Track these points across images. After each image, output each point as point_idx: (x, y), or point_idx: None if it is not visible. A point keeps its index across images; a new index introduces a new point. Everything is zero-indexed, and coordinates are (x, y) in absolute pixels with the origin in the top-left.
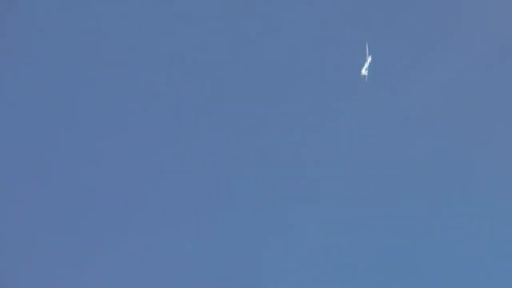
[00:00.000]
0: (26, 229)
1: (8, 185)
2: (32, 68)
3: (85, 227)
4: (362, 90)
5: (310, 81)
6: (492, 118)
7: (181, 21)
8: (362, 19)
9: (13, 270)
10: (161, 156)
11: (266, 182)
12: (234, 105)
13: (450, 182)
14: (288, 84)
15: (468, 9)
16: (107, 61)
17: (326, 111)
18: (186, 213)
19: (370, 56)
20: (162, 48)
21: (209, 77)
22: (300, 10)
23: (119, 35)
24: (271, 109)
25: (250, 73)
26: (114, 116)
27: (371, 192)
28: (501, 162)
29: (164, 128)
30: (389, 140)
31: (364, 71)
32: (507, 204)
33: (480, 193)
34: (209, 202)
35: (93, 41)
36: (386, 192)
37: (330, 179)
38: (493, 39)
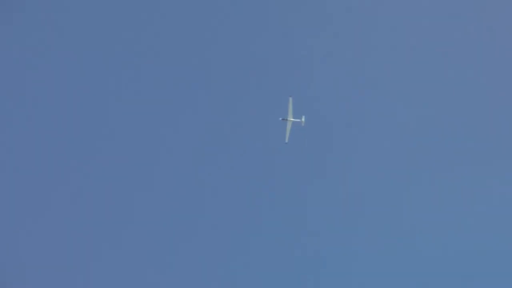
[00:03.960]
0: (26, 229)
1: (8, 184)
2: (32, 68)
3: (85, 228)
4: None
5: None
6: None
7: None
8: None
9: (14, 270)
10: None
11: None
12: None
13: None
14: None
15: None
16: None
17: None
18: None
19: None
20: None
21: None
22: None
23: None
24: None
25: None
26: (115, 116)
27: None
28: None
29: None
30: None
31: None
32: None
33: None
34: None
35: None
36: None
37: None
38: None
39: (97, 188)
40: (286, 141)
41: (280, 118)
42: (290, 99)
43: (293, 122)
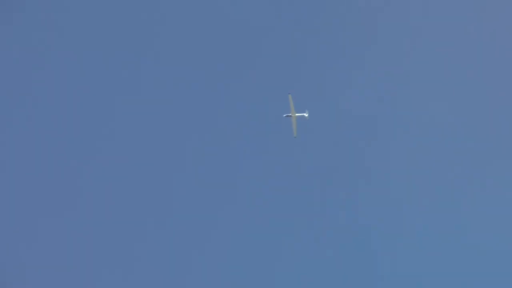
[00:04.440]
0: (26, 230)
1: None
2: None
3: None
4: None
5: None
6: None
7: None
8: None
9: (14, 270)
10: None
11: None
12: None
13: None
14: None
15: None
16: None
17: None
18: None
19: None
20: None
21: None
22: None
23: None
24: None
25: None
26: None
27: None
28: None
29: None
30: None
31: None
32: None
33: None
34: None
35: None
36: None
37: None
38: None
39: (96, 189)
40: (295, 135)
41: (284, 115)
42: (290, 96)
43: (297, 116)
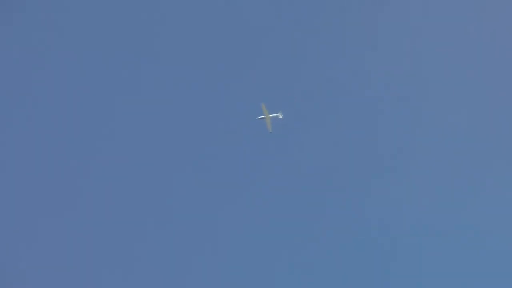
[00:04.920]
0: (27, 230)
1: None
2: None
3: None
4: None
5: None
6: None
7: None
8: None
9: (15, 270)
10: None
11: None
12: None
13: None
14: None
15: None
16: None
17: None
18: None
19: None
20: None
21: None
22: None
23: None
24: None
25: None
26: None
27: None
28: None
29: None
30: None
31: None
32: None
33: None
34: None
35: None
36: None
37: None
38: None
39: (96, 189)
40: (270, 131)
41: (257, 117)
42: (263, 104)
43: (271, 117)
